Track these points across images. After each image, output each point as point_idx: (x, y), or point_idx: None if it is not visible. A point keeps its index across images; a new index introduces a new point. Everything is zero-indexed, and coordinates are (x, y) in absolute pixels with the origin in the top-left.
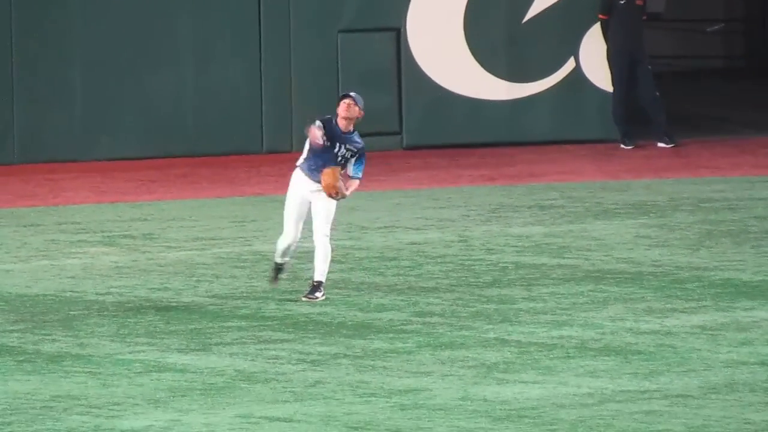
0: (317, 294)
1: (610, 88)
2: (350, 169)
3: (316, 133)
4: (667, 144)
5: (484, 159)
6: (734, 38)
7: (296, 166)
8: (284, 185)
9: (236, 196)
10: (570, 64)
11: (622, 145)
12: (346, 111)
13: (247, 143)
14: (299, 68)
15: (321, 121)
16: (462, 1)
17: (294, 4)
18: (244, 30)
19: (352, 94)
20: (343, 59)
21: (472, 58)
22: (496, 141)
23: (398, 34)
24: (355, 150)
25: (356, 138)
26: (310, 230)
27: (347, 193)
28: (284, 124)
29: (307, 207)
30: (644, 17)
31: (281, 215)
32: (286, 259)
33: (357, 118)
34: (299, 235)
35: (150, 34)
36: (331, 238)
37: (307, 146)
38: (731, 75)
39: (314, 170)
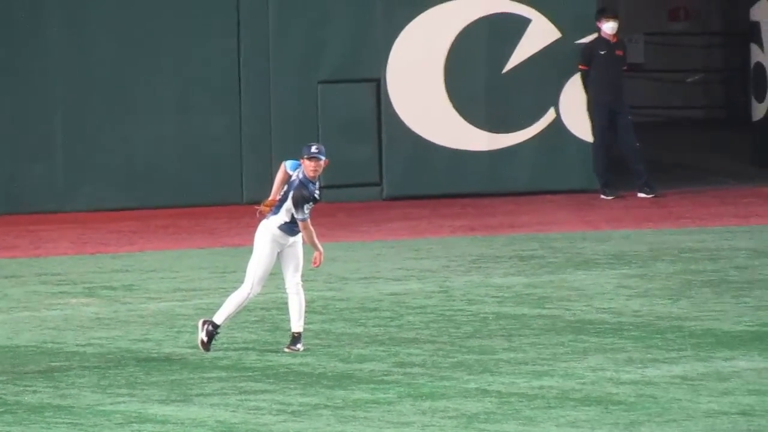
0: (298, 345)
1: (590, 138)
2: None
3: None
4: (647, 194)
5: (464, 209)
6: (714, 88)
7: (268, 222)
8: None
9: (217, 247)
10: (550, 115)
11: (603, 196)
12: (314, 171)
13: (227, 194)
14: (279, 119)
15: (305, 197)
16: (442, 52)
17: (274, 55)
18: (224, 80)
19: (315, 152)
20: (323, 110)
21: (452, 108)
22: (477, 191)
23: (378, 84)
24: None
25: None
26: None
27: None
28: (264, 174)
29: (275, 260)
30: (624, 68)
31: None
32: (226, 322)
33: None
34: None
35: (131, 85)
36: (303, 287)
37: (287, 208)
38: (711, 125)
39: (294, 229)
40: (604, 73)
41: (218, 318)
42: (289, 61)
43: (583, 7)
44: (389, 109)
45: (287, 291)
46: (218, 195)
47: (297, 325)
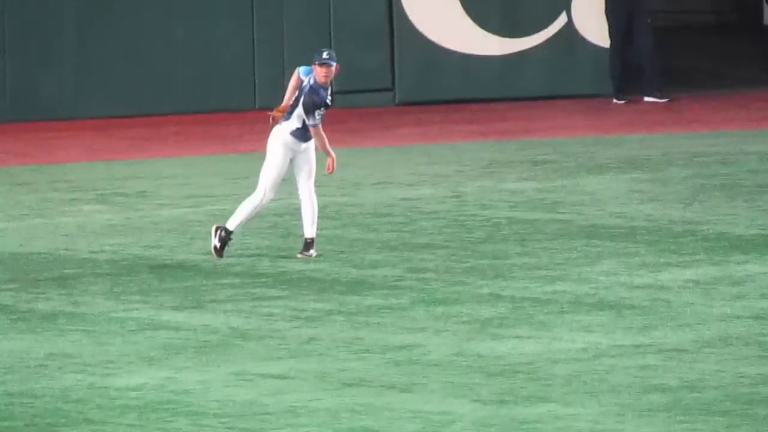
0: (311, 251)
1: (602, 43)
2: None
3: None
4: (658, 99)
5: (476, 115)
6: None
7: (281, 128)
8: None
9: (229, 154)
10: (562, 19)
11: (615, 100)
12: (325, 77)
13: (239, 100)
14: (291, 24)
15: (316, 103)
16: None
17: None
18: None
19: (326, 58)
20: (335, 15)
21: (464, 13)
22: (489, 97)
23: None
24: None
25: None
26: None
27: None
28: (277, 80)
29: (288, 166)
30: None
31: None
32: (239, 228)
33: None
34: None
35: None
36: (316, 193)
37: (298, 113)
38: (722, 30)
39: (306, 135)
40: None
41: (231, 224)
42: None
43: None
44: (401, 15)
45: (300, 197)
46: (230, 101)
47: (310, 231)
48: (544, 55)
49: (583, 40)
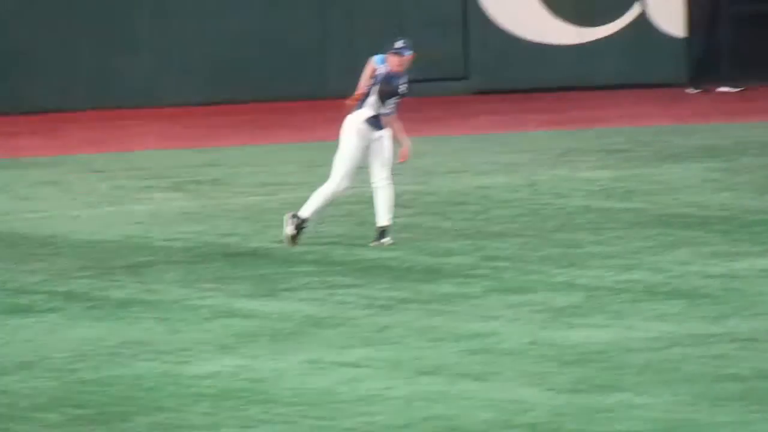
0: (385, 239)
1: (676, 32)
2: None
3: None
4: (732, 88)
5: (551, 104)
6: None
7: (354, 116)
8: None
9: (303, 142)
10: (637, 9)
11: (690, 89)
12: (399, 66)
13: (312, 88)
14: (363, 12)
15: (390, 92)
16: None
17: None
18: None
19: (400, 46)
20: (407, 3)
21: (539, 2)
22: (564, 85)
23: None
24: (406, 80)
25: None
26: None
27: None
28: (349, 68)
29: (362, 154)
30: None
31: None
32: (314, 216)
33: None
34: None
35: None
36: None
37: (372, 102)
38: None
39: (379, 123)
40: None
41: (305, 212)
42: None
43: None
44: (475, 3)
45: (374, 185)
46: (303, 89)
47: (384, 219)
48: (619, 45)
49: (657, 29)
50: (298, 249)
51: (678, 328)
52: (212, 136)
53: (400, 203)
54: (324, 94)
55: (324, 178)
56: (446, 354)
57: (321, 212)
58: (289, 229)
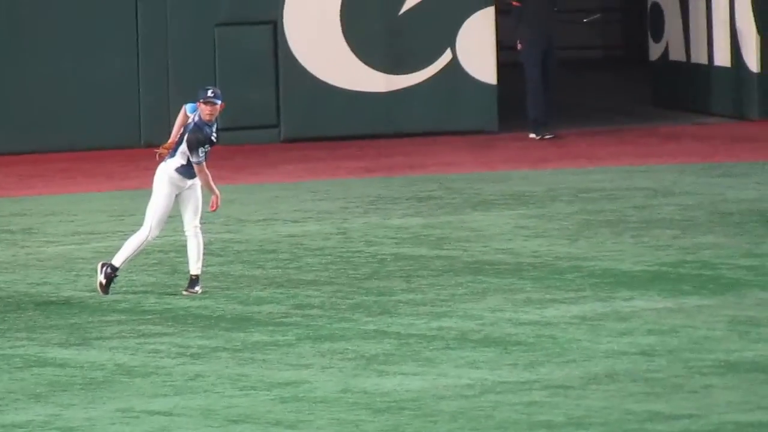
0: (197, 288)
1: (486, 79)
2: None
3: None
4: (543, 135)
5: (362, 151)
6: (612, 28)
7: (166, 165)
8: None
9: (114, 190)
10: (447, 56)
11: (533, 135)
12: (210, 115)
13: (125, 137)
14: (176, 61)
15: (200, 140)
16: None
17: None
18: (121, 22)
19: (211, 96)
20: (220, 52)
21: (349, 50)
22: (375, 133)
23: (275, 26)
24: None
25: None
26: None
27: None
28: (162, 117)
29: (173, 203)
30: (555, 8)
31: None
32: (125, 265)
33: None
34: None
35: (27, 26)
36: (202, 230)
37: (183, 150)
38: (610, 65)
39: (191, 172)
40: (537, 12)
41: (117, 261)
42: (186, 4)
43: None
44: (286, 51)
45: (186, 234)
46: (116, 138)
47: (195, 267)
48: (429, 92)
49: (468, 75)
50: (109, 297)
51: (490, 375)
52: (24, 185)
53: (211, 252)
54: (137, 142)
55: (136, 226)
56: (258, 402)
57: (132, 260)
58: (100, 278)
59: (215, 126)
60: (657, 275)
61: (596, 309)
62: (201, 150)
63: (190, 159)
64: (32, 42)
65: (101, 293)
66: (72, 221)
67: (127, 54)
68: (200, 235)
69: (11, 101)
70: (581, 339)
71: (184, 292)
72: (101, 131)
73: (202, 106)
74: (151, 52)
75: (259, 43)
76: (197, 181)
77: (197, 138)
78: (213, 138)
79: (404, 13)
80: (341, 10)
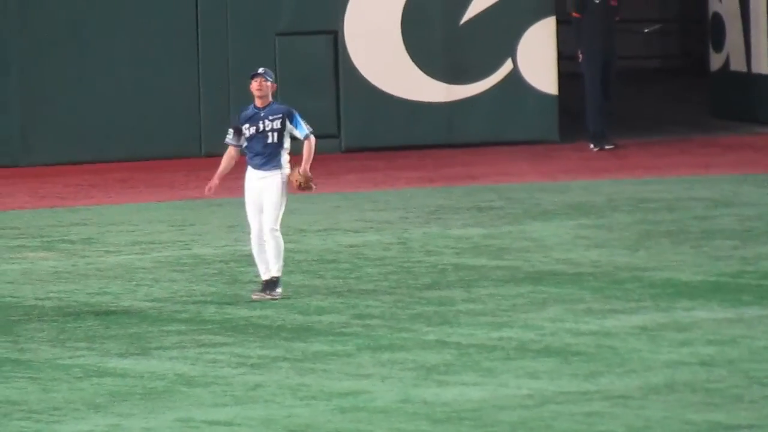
0: (277, 290)
1: (547, 89)
2: (295, 133)
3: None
4: (603, 146)
5: (422, 161)
6: (671, 38)
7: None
8: (223, 189)
9: (175, 200)
10: (507, 66)
11: (592, 146)
12: (258, 89)
13: (185, 147)
14: (237, 71)
15: (232, 128)
16: (399, 4)
17: (231, 7)
18: (181, 32)
19: (260, 71)
20: (280, 62)
21: (409, 60)
22: (435, 143)
23: (335, 37)
24: (280, 114)
25: (275, 106)
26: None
27: (308, 170)
28: (223, 127)
29: (261, 198)
30: (617, 18)
31: (220, 218)
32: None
33: (273, 91)
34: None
35: (88, 37)
36: (280, 232)
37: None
38: (669, 75)
39: (254, 158)
40: (597, 23)
41: (275, 271)
42: (246, 14)
43: None
44: (347, 61)
45: (263, 236)
46: (177, 148)
47: (273, 269)
48: (489, 101)
49: (528, 85)
50: (169, 308)
51: (550, 386)
52: (83, 195)
53: None
54: (197, 153)
55: (196, 236)
56: (318, 412)
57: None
58: (278, 290)
59: (273, 107)
60: (717, 285)
61: (656, 319)
62: (245, 128)
63: (228, 140)
64: (93, 52)
65: (276, 298)
66: (132, 231)
67: (188, 63)
68: (279, 238)
69: (72, 111)
70: (641, 349)
71: (268, 296)
72: (162, 141)
73: (251, 82)
74: (212, 62)
75: (319, 53)
76: (273, 180)
77: (240, 116)
78: (261, 124)
79: (465, 23)
80: (402, 20)
